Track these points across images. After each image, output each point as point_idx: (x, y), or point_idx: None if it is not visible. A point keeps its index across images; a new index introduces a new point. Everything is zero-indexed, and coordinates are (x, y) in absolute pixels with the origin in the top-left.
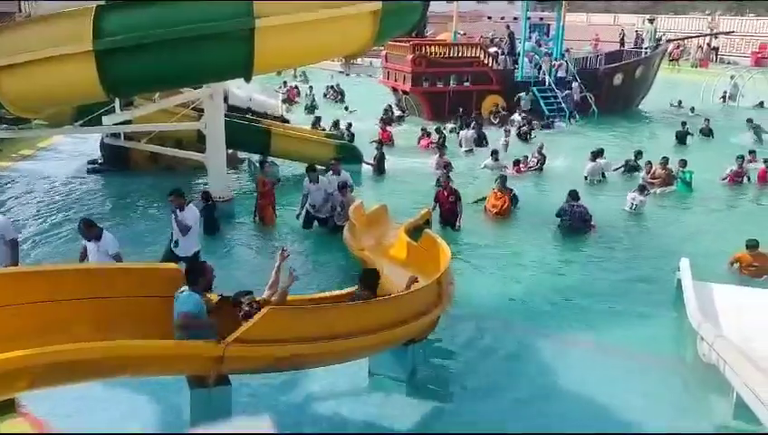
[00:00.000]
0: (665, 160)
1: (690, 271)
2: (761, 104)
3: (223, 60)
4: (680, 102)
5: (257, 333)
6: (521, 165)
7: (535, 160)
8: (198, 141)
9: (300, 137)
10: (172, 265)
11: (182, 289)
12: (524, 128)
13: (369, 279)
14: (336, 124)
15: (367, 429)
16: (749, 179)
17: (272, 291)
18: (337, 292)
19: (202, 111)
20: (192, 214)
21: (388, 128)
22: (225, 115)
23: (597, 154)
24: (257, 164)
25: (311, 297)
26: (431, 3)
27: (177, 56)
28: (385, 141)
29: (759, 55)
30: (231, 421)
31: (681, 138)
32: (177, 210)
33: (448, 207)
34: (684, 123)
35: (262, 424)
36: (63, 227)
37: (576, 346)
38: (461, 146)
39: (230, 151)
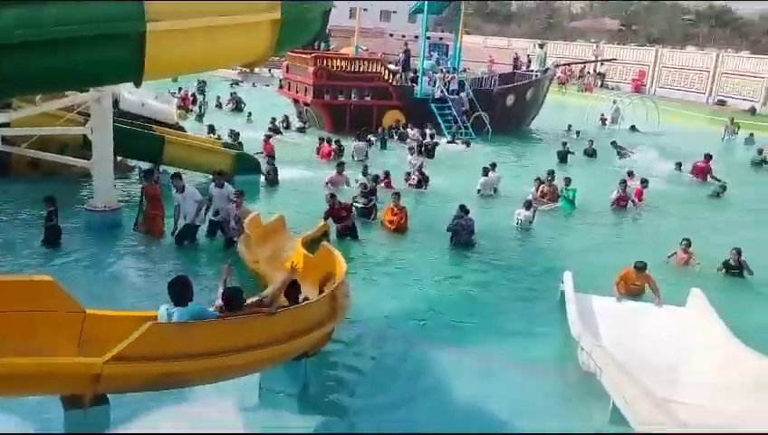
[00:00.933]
0: (550, 177)
1: (572, 283)
2: (632, 128)
3: (111, 63)
4: (570, 127)
5: (138, 349)
6: (389, 178)
7: (416, 178)
8: (84, 147)
9: (195, 145)
10: (45, 276)
11: (170, 310)
12: (428, 141)
13: (291, 291)
14: (233, 134)
15: None
16: (633, 203)
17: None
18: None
19: (89, 115)
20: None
21: (272, 140)
22: (115, 120)
23: (489, 169)
24: (143, 172)
25: None
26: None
27: (62, 57)
28: (267, 154)
29: (638, 82)
30: None
31: (562, 157)
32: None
33: (342, 221)
34: (564, 143)
35: None
36: None
37: (464, 357)
38: (353, 158)
39: (119, 158)
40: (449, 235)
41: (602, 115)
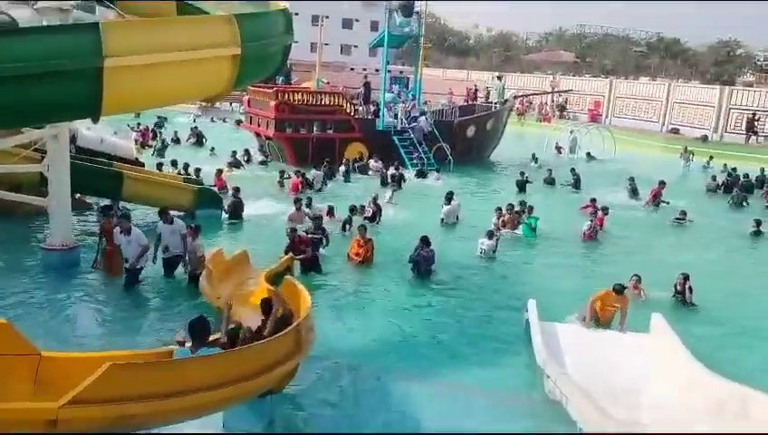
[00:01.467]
0: (510, 207)
1: (536, 311)
2: (588, 155)
3: (68, 99)
4: (534, 155)
5: (96, 392)
6: (332, 213)
7: (371, 211)
8: (41, 185)
9: (155, 181)
10: (2, 320)
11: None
12: (393, 172)
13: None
14: (186, 168)
15: None
16: (596, 231)
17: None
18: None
19: (45, 151)
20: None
21: (231, 173)
22: (72, 157)
23: (450, 197)
24: (101, 209)
25: (157, 351)
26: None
27: (17, 93)
28: (219, 188)
29: (594, 112)
30: None
31: (521, 186)
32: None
33: (302, 254)
34: (522, 172)
35: None
36: None
37: (431, 387)
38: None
39: (77, 196)
40: (411, 266)
41: (557, 144)
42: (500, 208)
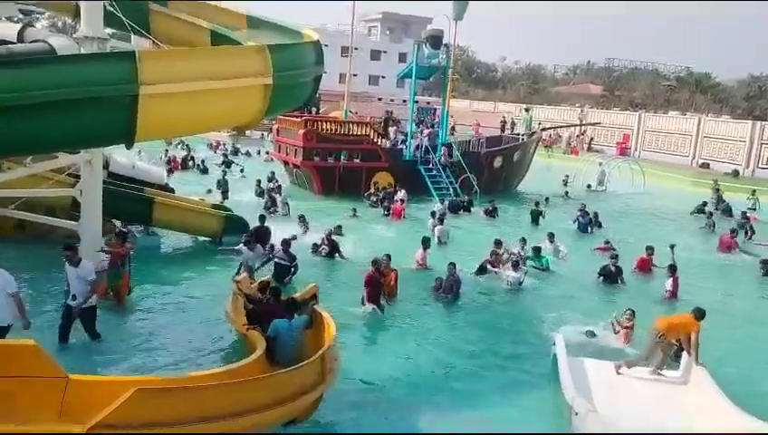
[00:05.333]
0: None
1: (564, 346)
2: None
3: (104, 125)
4: (567, 193)
5: (122, 416)
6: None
7: (326, 249)
8: (73, 209)
9: (185, 207)
10: (28, 341)
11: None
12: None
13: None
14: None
15: None
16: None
17: None
18: (217, 369)
19: (79, 177)
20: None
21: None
22: (105, 182)
23: (442, 218)
24: (116, 232)
25: (183, 377)
26: (322, 81)
27: (54, 120)
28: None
29: (623, 145)
30: None
31: (534, 217)
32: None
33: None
34: (537, 203)
35: None
36: None
37: (455, 421)
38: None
39: (107, 220)
40: (436, 294)
41: (589, 185)
42: (499, 241)
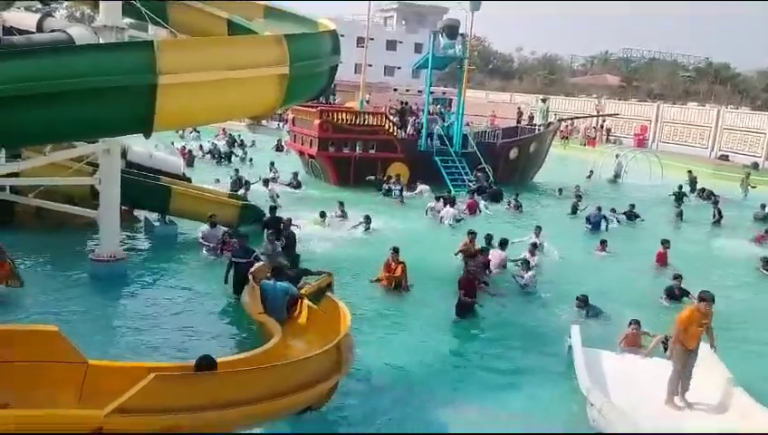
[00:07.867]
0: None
1: (580, 337)
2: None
3: (122, 115)
4: (591, 173)
5: (140, 401)
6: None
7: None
8: (92, 198)
9: (201, 196)
10: (49, 326)
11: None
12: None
13: None
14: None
15: None
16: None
17: None
18: (233, 356)
19: (97, 165)
20: None
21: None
22: (123, 171)
23: (453, 201)
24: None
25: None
26: (338, 71)
27: (73, 108)
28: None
29: (640, 136)
30: None
31: (573, 209)
32: None
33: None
34: (579, 196)
35: None
36: None
37: (470, 412)
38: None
39: (125, 208)
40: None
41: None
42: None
